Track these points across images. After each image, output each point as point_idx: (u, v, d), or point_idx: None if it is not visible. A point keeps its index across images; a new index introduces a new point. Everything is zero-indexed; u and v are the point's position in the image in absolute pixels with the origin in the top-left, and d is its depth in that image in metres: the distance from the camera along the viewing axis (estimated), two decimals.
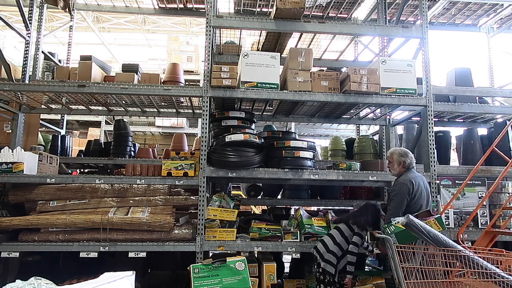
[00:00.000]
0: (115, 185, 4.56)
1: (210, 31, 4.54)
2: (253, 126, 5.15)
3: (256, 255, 4.92)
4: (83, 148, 7.08)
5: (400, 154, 3.81)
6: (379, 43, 6.34)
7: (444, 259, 3.07)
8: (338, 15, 6.44)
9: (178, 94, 4.82)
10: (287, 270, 5.73)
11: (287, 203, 6.12)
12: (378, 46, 6.37)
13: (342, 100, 4.58)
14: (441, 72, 10.34)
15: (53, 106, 5.70)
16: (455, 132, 6.62)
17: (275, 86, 4.45)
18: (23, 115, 5.47)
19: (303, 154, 4.48)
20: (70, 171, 6.92)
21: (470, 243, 4.33)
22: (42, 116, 6.32)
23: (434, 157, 4.59)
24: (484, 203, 4.60)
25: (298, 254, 4.35)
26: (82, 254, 4.04)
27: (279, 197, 6.41)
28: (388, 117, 6.03)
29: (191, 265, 3.56)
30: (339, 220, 4.11)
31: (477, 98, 5.53)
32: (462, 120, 6.12)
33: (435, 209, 4.24)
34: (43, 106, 5.62)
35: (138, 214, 4.24)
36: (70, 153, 6.86)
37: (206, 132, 4.42)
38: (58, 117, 7.44)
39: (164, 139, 11.84)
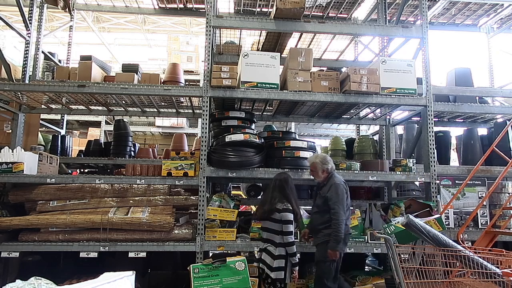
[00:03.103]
0: (115, 185, 4.56)
1: (210, 31, 4.55)
2: (253, 126, 5.16)
3: (256, 255, 4.91)
4: (83, 148, 7.08)
5: (322, 162, 3.88)
6: (379, 43, 6.34)
7: (444, 259, 3.06)
8: (338, 15, 6.43)
9: (178, 94, 4.83)
10: None
11: None
12: (378, 46, 6.37)
13: (342, 100, 4.58)
14: (441, 72, 10.33)
15: (53, 106, 5.70)
16: (455, 132, 6.62)
17: (275, 86, 4.45)
18: (23, 115, 5.47)
19: (303, 154, 4.49)
20: (70, 171, 6.93)
21: (470, 243, 4.33)
22: (42, 116, 6.32)
23: (434, 157, 4.60)
24: (484, 203, 4.60)
25: (298, 254, 4.34)
26: (82, 254, 4.04)
27: None
28: (388, 117, 6.03)
29: (191, 265, 3.55)
30: (260, 217, 3.81)
31: (477, 98, 5.53)
32: (462, 120, 6.12)
33: (435, 209, 4.24)
34: (43, 106, 5.62)
35: (138, 214, 4.24)
36: (70, 153, 6.87)
37: (206, 132, 4.43)
38: (58, 117, 7.44)
39: (164, 139, 11.83)
